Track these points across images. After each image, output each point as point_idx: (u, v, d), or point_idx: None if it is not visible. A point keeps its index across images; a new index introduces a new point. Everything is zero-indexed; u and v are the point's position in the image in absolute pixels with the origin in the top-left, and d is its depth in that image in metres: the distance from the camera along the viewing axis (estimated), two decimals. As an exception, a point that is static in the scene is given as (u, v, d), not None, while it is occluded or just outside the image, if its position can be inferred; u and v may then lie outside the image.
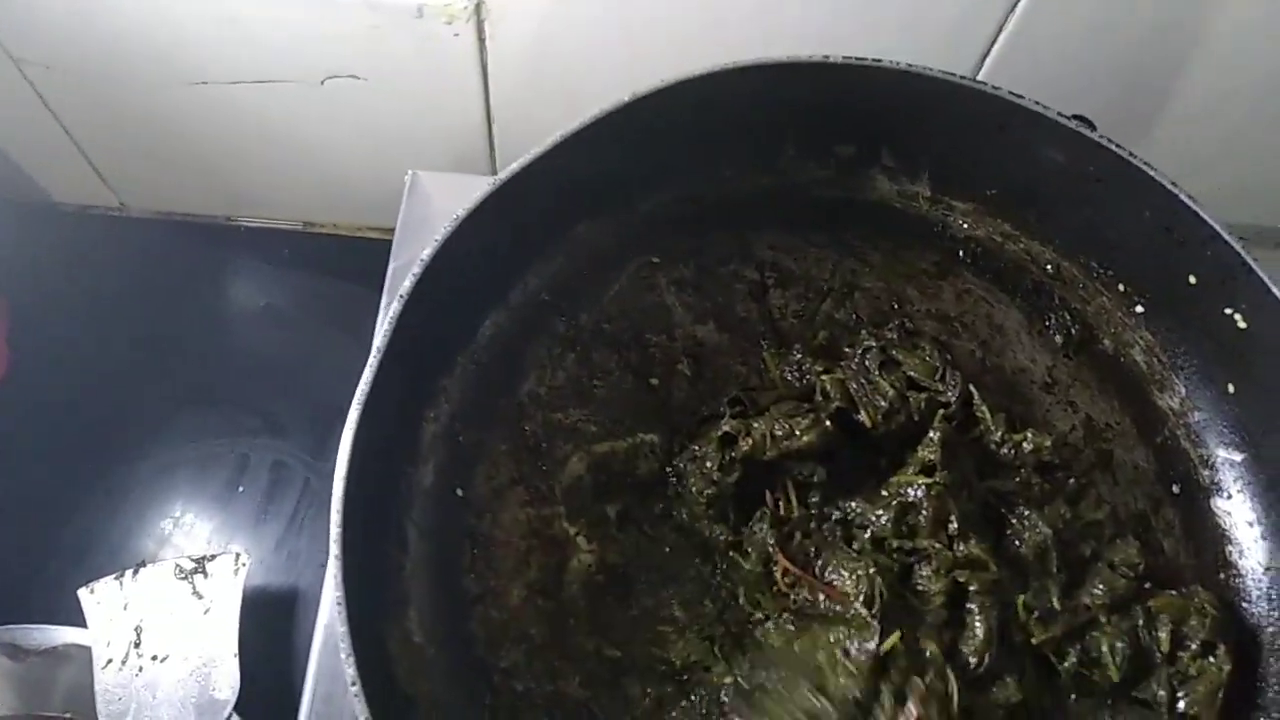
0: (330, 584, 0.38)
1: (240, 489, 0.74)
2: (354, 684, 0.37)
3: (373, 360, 0.42)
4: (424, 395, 0.49)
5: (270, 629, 0.67)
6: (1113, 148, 0.50)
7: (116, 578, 0.61)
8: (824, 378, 0.52)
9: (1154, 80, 0.65)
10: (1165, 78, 0.65)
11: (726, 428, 0.50)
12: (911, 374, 0.52)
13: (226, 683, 0.57)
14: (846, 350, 0.54)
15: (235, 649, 0.58)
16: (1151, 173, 0.50)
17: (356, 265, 0.83)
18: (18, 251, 0.80)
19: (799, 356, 0.54)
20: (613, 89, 0.49)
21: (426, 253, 0.45)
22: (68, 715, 0.60)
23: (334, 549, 0.39)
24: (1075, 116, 0.51)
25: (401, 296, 0.44)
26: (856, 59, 0.50)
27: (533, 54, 0.65)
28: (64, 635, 0.61)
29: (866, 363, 0.53)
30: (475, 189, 0.46)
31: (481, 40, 0.64)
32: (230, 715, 0.56)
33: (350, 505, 0.41)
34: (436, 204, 0.69)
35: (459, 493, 0.49)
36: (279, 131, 0.74)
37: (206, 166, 0.78)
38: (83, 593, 0.60)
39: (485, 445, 0.50)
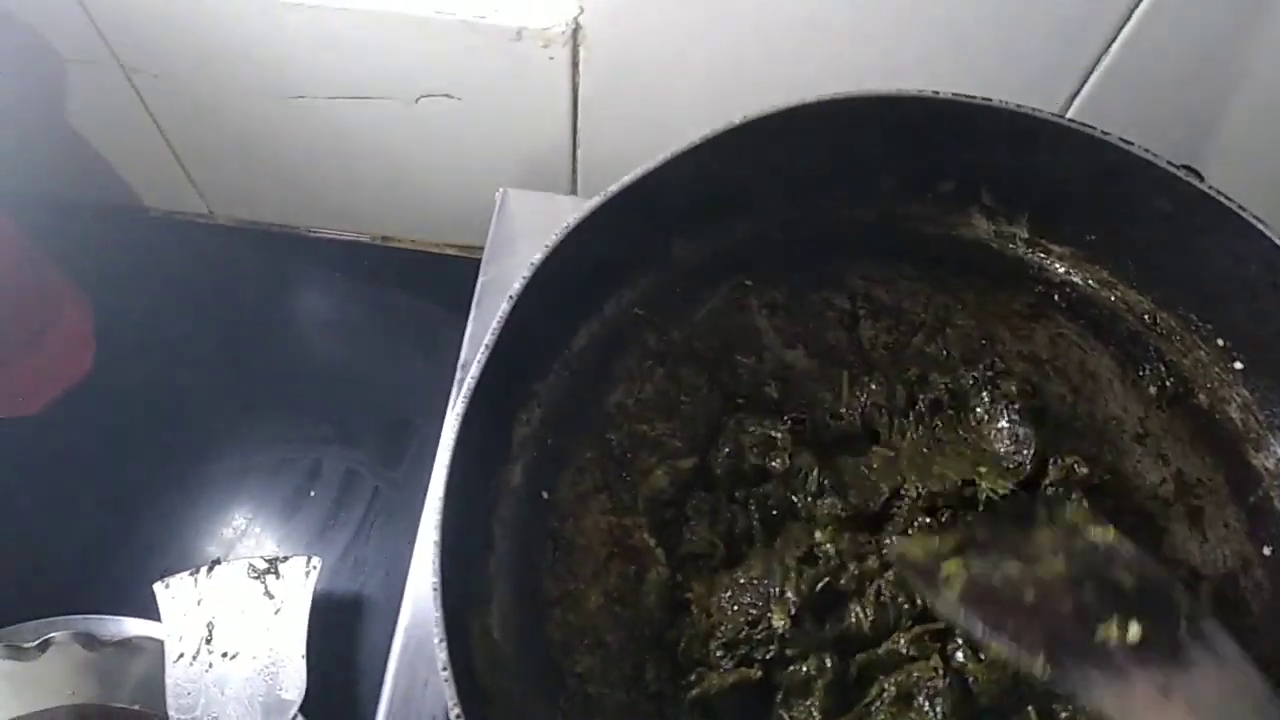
0: (424, 570, 0.39)
1: (311, 494, 0.75)
2: (445, 669, 0.37)
3: (481, 356, 0.43)
4: (518, 397, 0.50)
5: (335, 634, 0.68)
6: (1221, 199, 0.49)
7: (191, 574, 0.62)
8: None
9: (1245, 128, 0.64)
10: (1258, 125, 0.64)
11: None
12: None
13: (293, 683, 0.58)
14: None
15: (303, 650, 0.59)
16: (1261, 227, 0.49)
17: (434, 281, 0.85)
18: (106, 253, 0.83)
19: (875, 387, 0.54)
20: (698, 120, 0.49)
21: (537, 258, 0.46)
22: (137, 706, 0.62)
23: (434, 535, 0.39)
24: (1184, 166, 0.50)
25: (511, 298, 0.45)
26: (965, 96, 0.51)
27: (623, 80, 0.66)
28: (137, 627, 0.62)
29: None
30: (561, 208, 0.48)
31: (575, 64, 0.65)
32: (296, 715, 0.57)
33: (449, 497, 0.42)
34: (522, 221, 0.71)
35: (544, 495, 0.49)
36: (369, 147, 0.76)
37: (294, 178, 0.81)
38: (158, 587, 0.62)
39: (572, 451, 0.51)
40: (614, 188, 0.48)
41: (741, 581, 0.49)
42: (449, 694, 0.36)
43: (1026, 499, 0.50)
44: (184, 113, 0.75)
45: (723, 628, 0.48)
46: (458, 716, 0.36)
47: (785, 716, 0.47)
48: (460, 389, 0.44)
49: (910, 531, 0.51)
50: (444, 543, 0.40)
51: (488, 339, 0.44)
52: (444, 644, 0.37)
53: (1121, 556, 0.47)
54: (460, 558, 0.43)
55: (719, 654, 0.47)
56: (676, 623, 0.49)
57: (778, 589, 0.48)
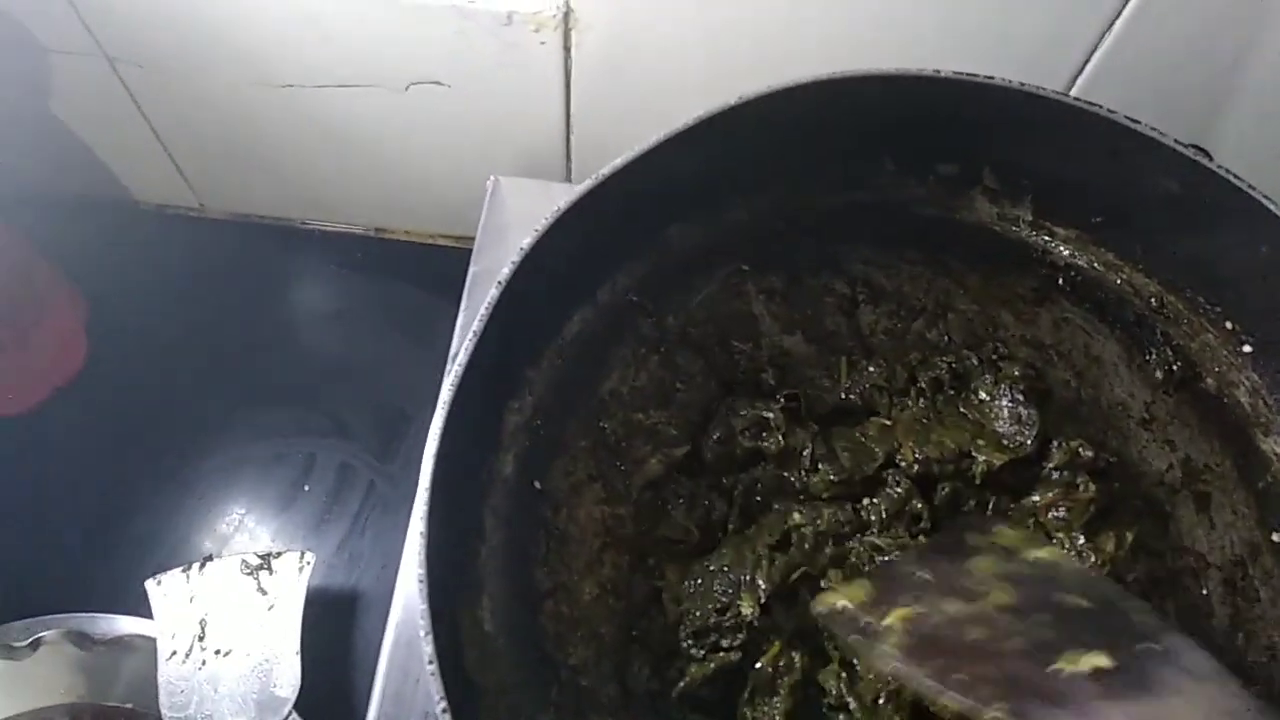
0: (411, 561, 0.38)
1: (306, 488, 0.75)
2: (431, 662, 0.36)
3: (469, 343, 0.42)
4: (510, 384, 0.49)
5: (330, 629, 0.68)
6: (1231, 179, 0.48)
7: (183, 570, 0.62)
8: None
9: (1253, 106, 0.63)
10: (1265, 101, 0.63)
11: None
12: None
13: (287, 680, 0.58)
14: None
15: (298, 647, 0.58)
16: (1271, 207, 0.48)
17: (427, 272, 0.85)
18: (97, 247, 0.83)
19: (874, 370, 0.53)
20: (692, 103, 0.48)
21: (527, 242, 0.45)
22: (129, 705, 0.61)
23: (420, 525, 0.38)
24: (1192, 145, 0.49)
25: (499, 283, 0.44)
26: (967, 75, 0.49)
27: (616, 64, 0.65)
28: (129, 625, 0.62)
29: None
30: (555, 195, 0.46)
31: (567, 49, 0.64)
32: (290, 712, 0.57)
33: (437, 486, 0.41)
34: (515, 209, 0.70)
35: (537, 485, 0.48)
36: (360, 136, 0.75)
37: (285, 169, 0.80)
38: (150, 584, 0.61)
39: (565, 440, 0.50)
40: (605, 170, 0.47)
41: (712, 569, 0.48)
42: (434, 688, 0.35)
43: (956, 529, 0.48)
44: (171, 103, 0.74)
45: (691, 615, 0.47)
46: (444, 711, 0.35)
47: (749, 715, 0.46)
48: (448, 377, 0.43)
49: (883, 531, 0.49)
50: (430, 534, 0.39)
51: (475, 325, 0.43)
52: (430, 636, 0.36)
53: (1066, 575, 0.43)
54: (449, 549, 0.42)
55: (689, 643, 0.46)
56: (648, 612, 0.48)
57: (748, 576, 0.47)
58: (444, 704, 0.35)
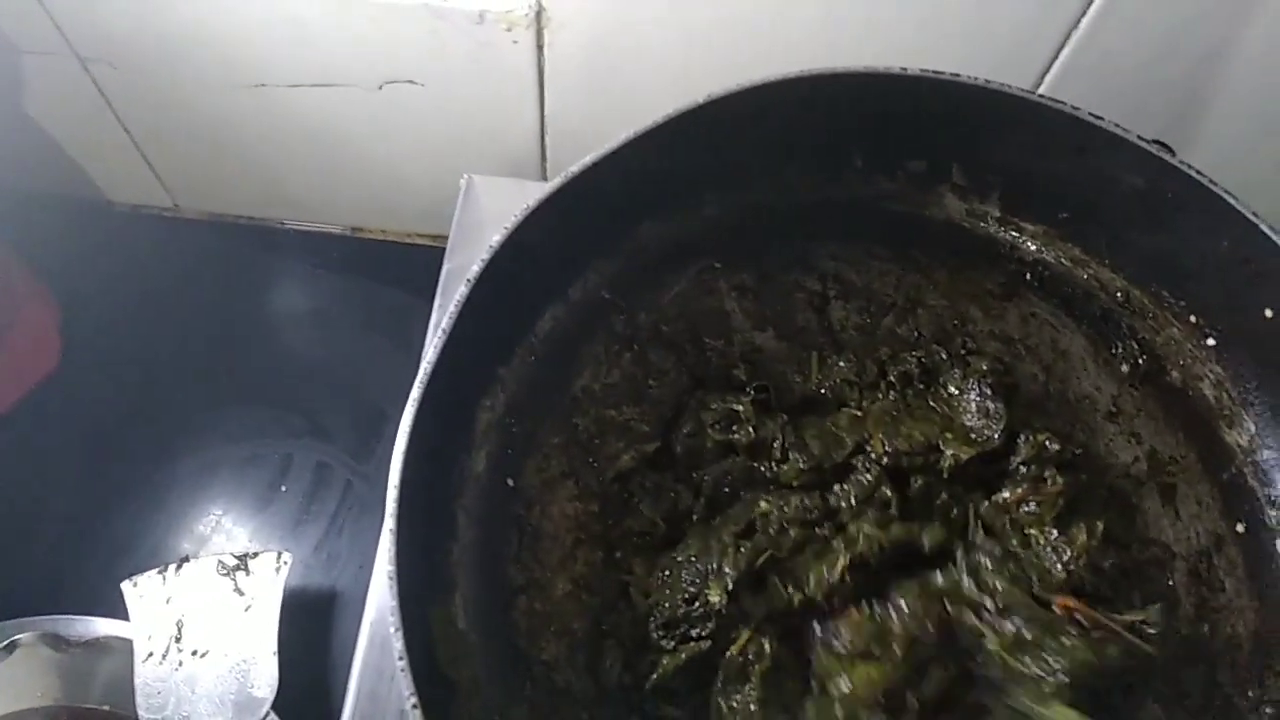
0: (382, 559, 0.38)
1: (283, 489, 0.74)
2: (401, 659, 0.37)
3: (438, 341, 0.43)
4: (481, 382, 0.49)
5: (308, 629, 0.67)
6: (1194, 174, 0.49)
7: (159, 571, 0.62)
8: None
9: (1217, 101, 0.64)
10: (1229, 98, 0.63)
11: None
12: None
13: (265, 681, 0.58)
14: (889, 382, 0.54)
15: (275, 647, 0.58)
16: (1232, 201, 0.48)
17: (404, 271, 0.84)
18: (71, 248, 0.82)
19: (844, 365, 0.54)
20: (666, 101, 0.49)
21: (496, 239, 0.45)
22: (106, 707, 0.61)
23: (389, 523, 0.39)
24: (1155, 141, 0.50)
25: (469, 280, 0.44)
26: (934, 72, 0.50)
27: (589, 63, 0.65)
28: (105, 627, 0.61)
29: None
30: (530, 194, 0.47)
31: (540, 47, 0.64)
32: (268, 713, 0.57)
33: (406, 484, 0.41)
34: (490, 208, 0.70)
35: (509, 482, 0.49)
36: (334, 136, 0.75)
37: (260, 169, 0.80)
38: (126, 585, 0.61)
39: (537, 437, 0.50)
40: (575, 168, 0.47)
41: (679, 560, 0.48)
42: (405, 684, 0.36)
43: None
44: (144, 103, 0.74)
45: (660, 607, 0.47)
46: (414, 706, 0.35)
47: (723, 705, 0.46)
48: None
49: (853, 517, 0.50)
50: (400, 532, 0.39)
51: (445, 323, 0.43)
52: (400, 633, 0.37)
53: None
54: (420, 547, 0.42)
55: (659, 634, 0.47)
56: (617, 606, 0.48)
57: (715, 565, 0.47)
58: (414, 700, 0.36)
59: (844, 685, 0.46)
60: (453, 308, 0.43)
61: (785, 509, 0.49)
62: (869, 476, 0.50)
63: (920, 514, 0.51)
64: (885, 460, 0.49)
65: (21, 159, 0.80)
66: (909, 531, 0.49)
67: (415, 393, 0.42)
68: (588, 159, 0.48)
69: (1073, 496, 0.50)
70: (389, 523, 0.39)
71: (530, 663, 0.45)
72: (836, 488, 0.51)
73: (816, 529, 0.49)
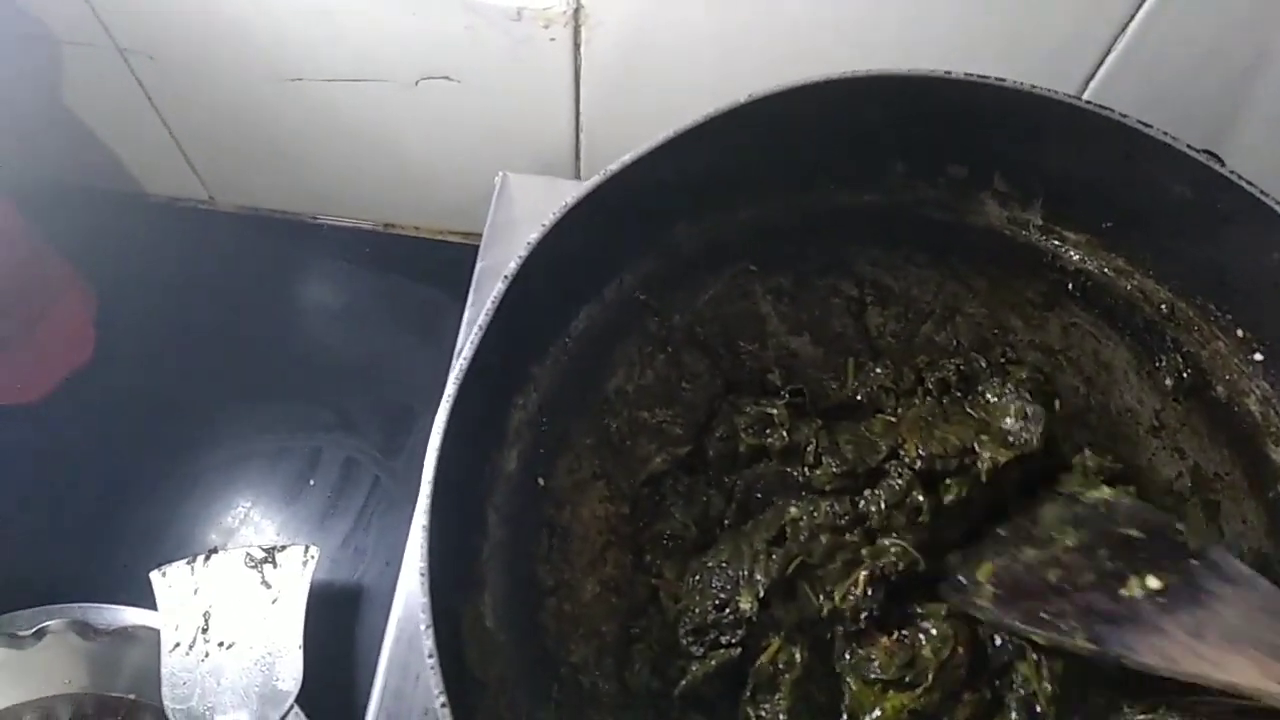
0: (413, 556, 0.38)
1: (311, 483, 0.75)
2: (430, 656, 0.36)
3: (474, 337, 0.42)
4: (515, 380, 0.48)
5: (334, 624, 0.67)
6: (1244, 185, 0.48)
7: (188, 562, 0.62)
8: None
9: (1265, 109, 0.63)
10: (1278, 107, 0.62)
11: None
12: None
13: (290, 674, 0.57)
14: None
15: (300, 641, 0.58)
16: (1285, 213, 0.47)
17: (435, 268, 0.84)
18: (107, 240, 0.83)
19: (880, 372, 0.53)
20: (703, 102, 0.48)
21: (534, 237, 0.45)
22: (132, 696, 0.61)
23: (421, 519, 0.38)
24: (1205, 150, 0.49)
25: (506, 277, 0.44)
26: (979, 76, 0.49)
27: (626, 61, 0.65)
28: (133, 616, 0.62)
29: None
30: (564, 193, 0.46)
31: (577, 45, 0.64)
32: (292, 706, 0.56)
33: (439, 481, 0.40)
34: (524, 206, 0.70)
35: (540, 482, 0.48)
36: (369, 131, 0.75)
37: (295, 164, 0.80)
38: (154, 575, 0.61)
39: (569, 437, 0.50)
40: (614, 166, 0.47)
41: (710, 565, 0.48)
42: (434, 682, 0.35)
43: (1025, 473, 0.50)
44: (181, 96, 0.75)
45: (690, 613, 0.47)
46: (443, 705, 0.35)
47: (751, 714, 0.46)
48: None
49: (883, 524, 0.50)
50: (432, 530, 0.39)
51: (481, 320, 0.43)
52: (430, 631, 0.36)
53: (1122, 511, 0.48)
54: (451, 545, 0.42)
55: (688, 640, 0.46)
56: (647, 610, 0.47)
57: (746, 571, 0.47)
58: (443, 699, 0.35)
59: (876, 715, 0.45)
60: (489, 304, 0.43)
61: (815, 514, 0.48)
62: (900, 482, 0.49)
63: (953, 523, 0.50)
64: (919, 464, 0.49)
65: (60, 151, 0.81)
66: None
67: (450, 389, 0.41)
68: (627, 158, 0.47)
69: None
70: (421, 519, 0.39)
71: (558, 664, 0.45)
72: (867, 493, 0.50)
73: (847, 535, 0.48)
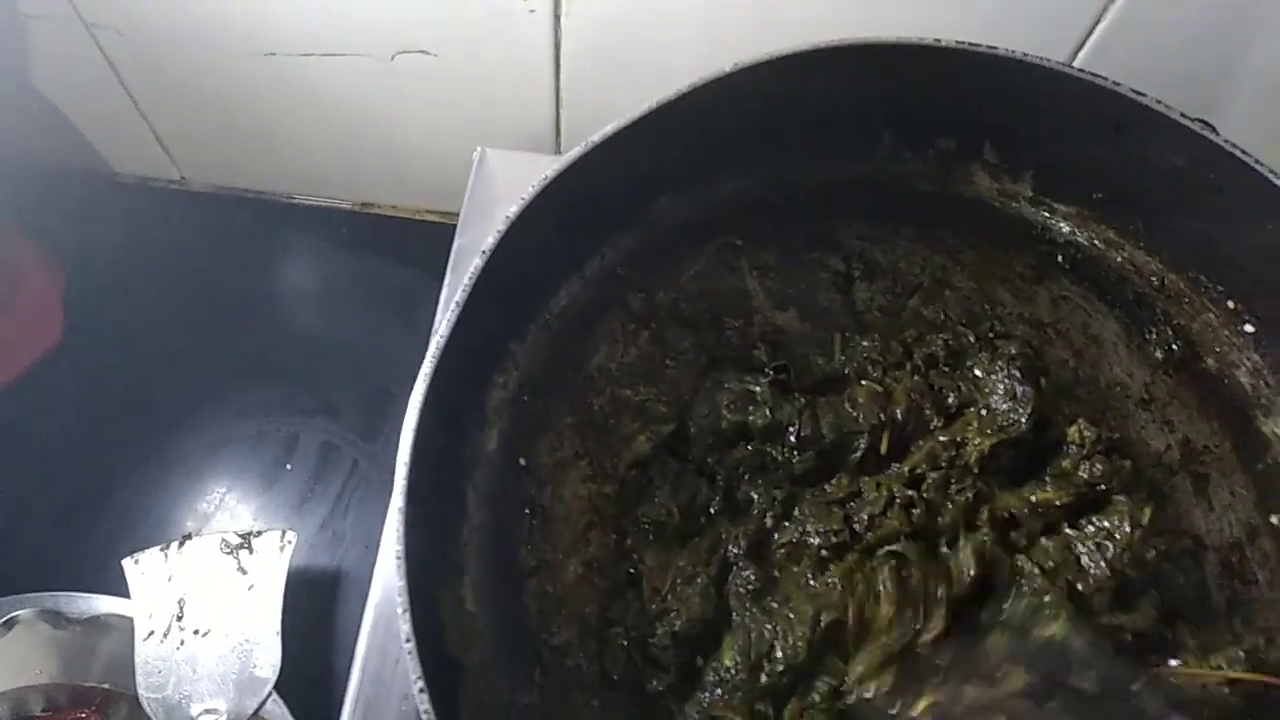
0: (390, 539, 0.37)
1: (288, 467, 0.73)
2: (408, 641, 0.35)
3: (450, 314, 0.41)
4: (494, 358, 0.47)
5: (312, 609, 0.66)
6: (1238, 154, 0.47)
7: (162, 549, 0.60)
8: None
9: (1261, 80, 0.62)
10: (1274, 77, 0.61)
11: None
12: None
13: (268, 660, 0.56)
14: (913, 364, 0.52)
15: (278, 627, 0.57)
16: (1278, 182, 0.47)
17: (413, 248, 0.83)
18: (76, 220, 0.81)
19: (867, 345, 0.52)
20: (685, 74, 0.47)
21: (513, 210, 0.44)
22: (106, 685, 0.60)
23: (397, 502, 0.37)
24: (1198, 119, 0.48)
25: (483, 252, 0.43)
26: (969, 44, 0.48)
27: (607, 34, 0.64)
28: (106, 605, 0.60)
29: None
30: (544, 167, 0.45)
31: (557, 17, 0.63)
32: (270, 693, 0.55)
33: (416, 462, 0.39)
34: (503, 182, 0.69)
35: (521, 462, 0.47)
36: (345, 107, 0.73)
37: (268, 142, 0.78)
38: (127, 563, 0.59)
39: (551, 416, 0.49)
40: (594, 138, 0.46)
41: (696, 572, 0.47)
42: (411, 667, 0.34)
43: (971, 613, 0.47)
44: (151, 72, 0.73)
45: (674, 616, 0.46)
46: (420, 690, 0.34)
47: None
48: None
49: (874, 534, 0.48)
50: (409, 512, 0.38)
51: (458, 297, 0.41)
52: (407, 615, 0.35)
53: (1076, 655, 0.45)
54: (429, 527, 0.41)
55: (664, 644, 0.45)
56: (624, 595, 0.46)
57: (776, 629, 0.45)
58: (421, 682, 0.34)
59: None
60: (466, 280, 0.42)
61: (810, 537, 0.47)
62: (883, 493, 0.49)
63: (937, 510, 0.49)
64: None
65: (27, 130, 0.79)
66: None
67: (426, 367, 0.40)
68: (608, 129, 0.46)
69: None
70: (397, 501, 0.38)
71: (540, 647, 0.44)
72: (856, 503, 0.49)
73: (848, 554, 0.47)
